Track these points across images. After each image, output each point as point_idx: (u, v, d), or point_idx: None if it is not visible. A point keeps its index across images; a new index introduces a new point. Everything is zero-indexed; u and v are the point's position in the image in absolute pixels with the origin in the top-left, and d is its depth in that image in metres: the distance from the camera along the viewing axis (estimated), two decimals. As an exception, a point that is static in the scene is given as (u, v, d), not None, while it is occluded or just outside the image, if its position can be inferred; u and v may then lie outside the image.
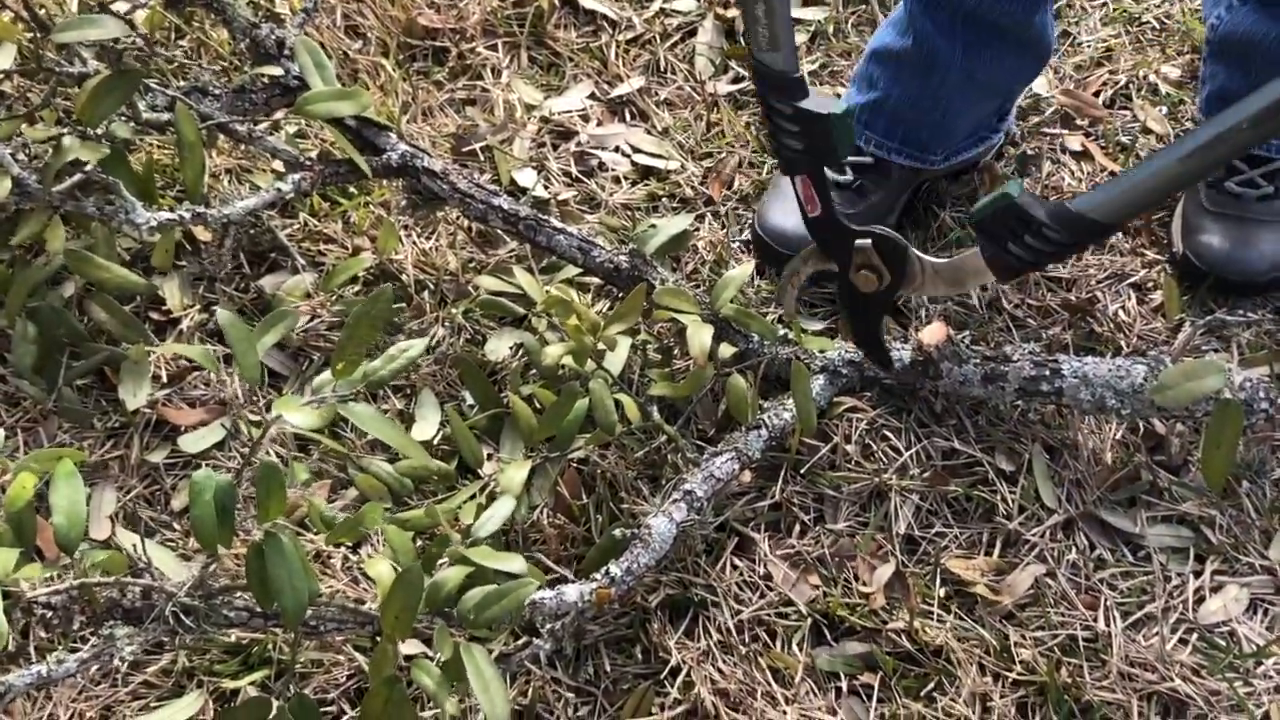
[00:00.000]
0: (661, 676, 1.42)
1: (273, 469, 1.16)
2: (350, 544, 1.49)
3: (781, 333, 1.57)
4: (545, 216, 1.60)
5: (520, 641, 1.36)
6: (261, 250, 1.72)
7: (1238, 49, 1.66)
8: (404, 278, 1.70)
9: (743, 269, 1.55)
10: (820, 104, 1.33)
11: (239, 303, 1.67)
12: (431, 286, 1.70)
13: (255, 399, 1.61)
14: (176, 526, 1.51)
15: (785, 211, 1.71)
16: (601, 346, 1.44)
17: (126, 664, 1.39)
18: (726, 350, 1.56)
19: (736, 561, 1.50)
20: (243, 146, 1.76)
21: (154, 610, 1.21)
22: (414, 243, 1.73)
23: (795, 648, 1.44)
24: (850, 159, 1.74)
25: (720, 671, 1.42)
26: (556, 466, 1.51)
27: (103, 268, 1.54)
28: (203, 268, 1.70)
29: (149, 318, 1.66)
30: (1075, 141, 1.89)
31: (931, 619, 1.46)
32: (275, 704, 1.26)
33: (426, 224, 1.75)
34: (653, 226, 1.60)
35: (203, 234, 1.71)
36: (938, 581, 1.48)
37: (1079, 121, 1.92)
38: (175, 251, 1.70)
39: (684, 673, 1.41)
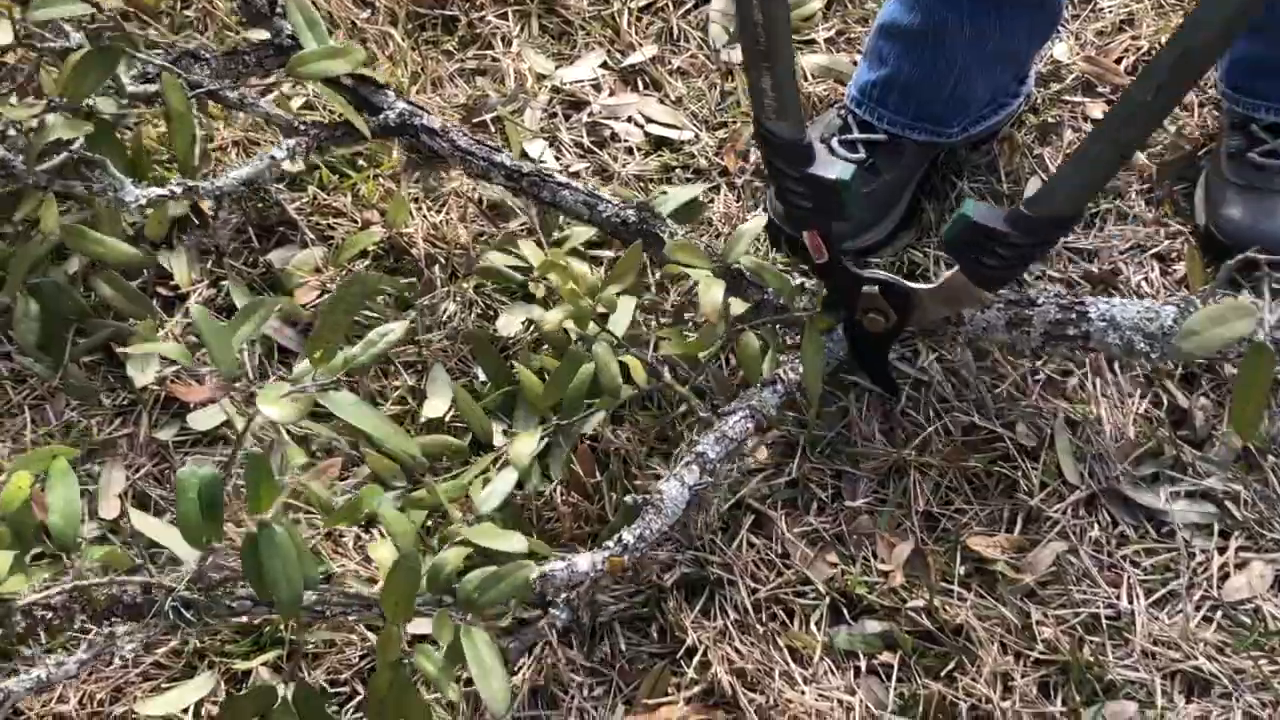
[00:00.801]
0: (678, 656, 1.40)
1: (259, 460, 1.14)
2: (363, 523, 1.47)
3: (798, 282, 1.53)
4: (549, 172, 1.56)
5: (537, 612, 1.33)
6: (270, 224, 1.70)
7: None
8: (414, 251, 1.68)
9: (755, 221, 1.50)
10: (827, 168, 1.34)
11: (247, 277, 1.65)
12: (442, 260, 1.67)
13: (265, 374, 1.59)
14: (186, 505, 1.49)
15: None
16: (603, 309, 1.41)
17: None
18: (740, 306, 1.48)
19: (753, 539, 1.48)
20: (244, 117, 1.74)
21: (154, 605, 1.20)
22: (424, 216, 1.71)
23: (813, 627, 1.43)
24: (858, 137, 1.71)
25: (737, 651, 1.40)
26: (570, 439, 1.48)
27: (99, 242, 1.50)
28: (210, 242, 1.68)
29: (156, 293, 1.64)
30: (1097, 109, 1.85)
31: (951, 597, 1.44)
32: (281, 689, 1.24)
33: (437, 198, 1.72)
34: (664, 193, 1.57)
35: (210, 208, 1.68)
36: (958, 559, 1.46)
37: (1100, 89, 1.88)
38: (182, 225, 1.68)
39: (700, 652, 1.40)
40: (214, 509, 1.16)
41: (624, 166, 1.79)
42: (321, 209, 1.71)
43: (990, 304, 1.44)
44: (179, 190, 1.42)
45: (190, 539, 1.17)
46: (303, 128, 1.53)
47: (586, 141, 1.82)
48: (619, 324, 1.45)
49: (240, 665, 1.39)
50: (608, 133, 1.84)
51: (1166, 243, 1.71)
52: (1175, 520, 1.50)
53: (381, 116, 1.56)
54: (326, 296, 1.63)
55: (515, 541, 1.25)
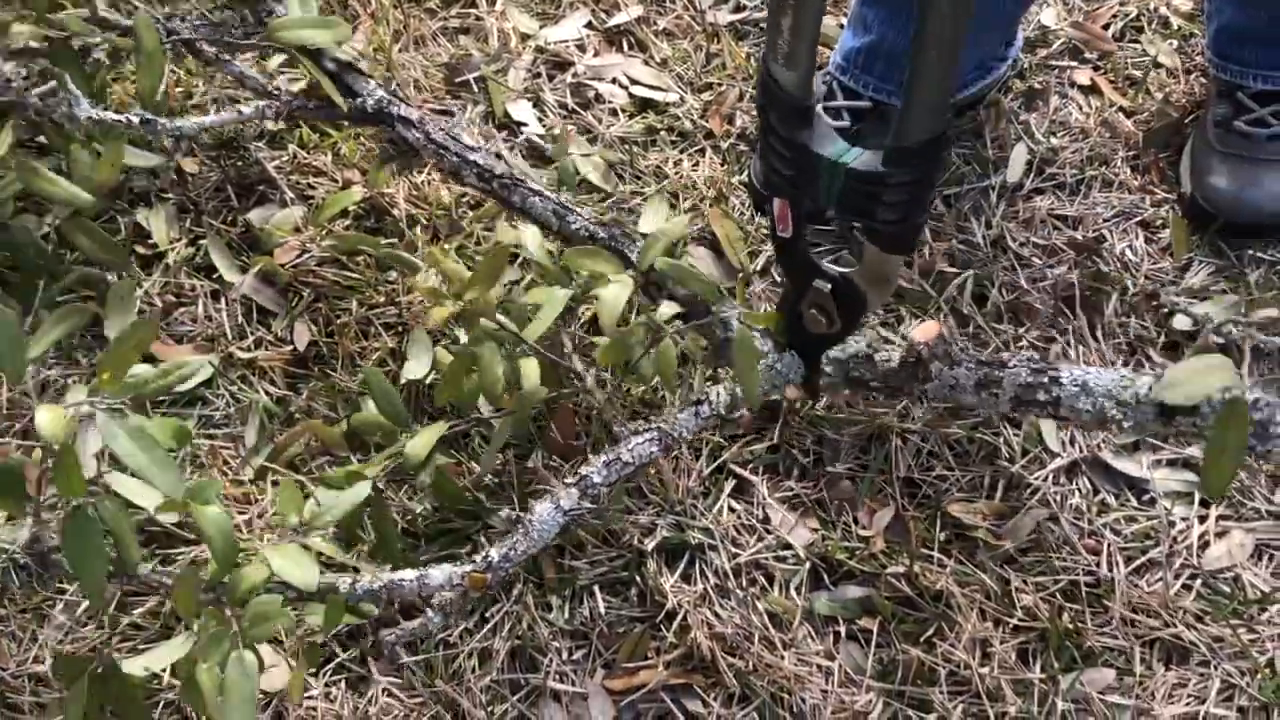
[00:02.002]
0: (657, 620, 1.40)
1: (67, 451, 1.09)
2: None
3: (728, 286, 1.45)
4: (521, 177, 1.48)
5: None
6: (250, 183, 1.68)
7: None
8: (395, 212, 1.66)
9: (674, 224, 1.40)
10: (821, 141, 1.20)
11: (226, 236, 1.64)
12: (424, 222, 1.66)
13: (244, 334, 1.57)
14: (163, 465, 1.48)
15: None
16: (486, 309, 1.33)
17: (112, 606, 1.39)
18: (668, 310, 1.39)
19: (734, 504, 1.47)
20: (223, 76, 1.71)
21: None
22: (406, 177, 1.69)
23: (793, 592, 1.42)
24: (843, 104, 1.70)
25: (717, 615, 1.40)
26: (505, 425, 1.42)
27: (48, 179, 1.43)
28: (189, 200, 1.66)
29: (135, 251, 1.62)
30: (1084, 75, 1.84)
31: (932, 563, 1.43)
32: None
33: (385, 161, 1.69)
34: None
35: (190, 165, 1.67)
36: (938, 525, 1.46)
37: (1088, 55, 1.87)
38: (161, 184, 1.66)
39: (680, 616, 1.39)
40: (12, 493, 1.15)
41: (608, 128, 1.77)
42: (301, 168, 1.69)
43: (906, 262, 1.38)
44: (135, 120, 1.39)
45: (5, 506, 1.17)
46: (276, 92, 1.51)
47: (570, 102, 1.81)
48: (541, 323, 1.34)
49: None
50: (592, 94, 1.82)
51: (1152, 210, 1.71)
52: (1156, 488, 1.50)
53: (359, 101, 1.50)
54: (306, 256, 1.62)
55: (305, 573, 1.18)
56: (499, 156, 1.50)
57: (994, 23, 1.69)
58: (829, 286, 1.29)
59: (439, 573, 1.24)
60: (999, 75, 1.78)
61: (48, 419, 1.02)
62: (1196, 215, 1.68)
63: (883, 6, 1.65)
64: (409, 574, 1.23)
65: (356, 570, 1.32)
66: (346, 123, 1.53)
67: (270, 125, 1.51)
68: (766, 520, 1.46)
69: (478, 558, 1.26)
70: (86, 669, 1.20)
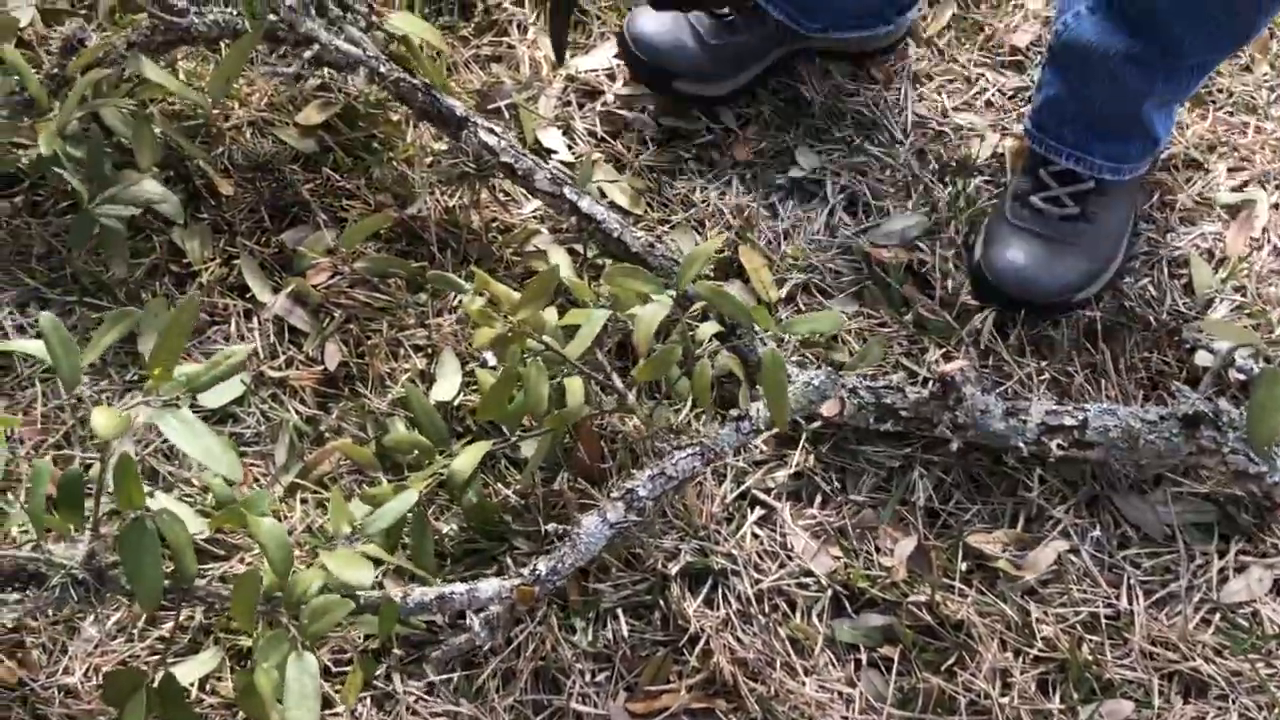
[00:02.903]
0: (680, 644, 1.41)
1: (127, 461, 1.15)
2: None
3: (756, 303, 1.50)
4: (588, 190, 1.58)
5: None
6: (284, 204, 1.70)
7: (1078, 58, 1.58)
8: (426, 235, 1.68)
9: (709, 244, 1.46)
10: None
11: (259, 257, 1.66)
12: (454, 246, 1.68)
13: (275, 354, 1.60)
14: (195, 481, 1.50)
15: (655, 18, 1.81)
16: (536, 329, 1.35)
17: (143, 620, 1.41)
18: (710, 329, 1.45)
19: (757, 530, 1.49)
20: (259, 97, 1.75)
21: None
22: (437, 200, 1.71)
23: (815, 618, 1.44)
24: None
25: (739, 641, 1.41)
26: (544, 442, 1.45)
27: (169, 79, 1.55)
28: (224, 220, 1.69)
29: (169, 269, 1.65)
30: (973, 55, 1.87)
31: (953, 593, 1.45)
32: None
33: (449, 181, 1.73)
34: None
35: (226, 187, 1.69)
36: (960, 555, 1.47)
37: (990, 44, 1.97)
38: (196, 203, 1.68)
39: (703, 641, 1.41)
40: (73, 502, 1.20)
41: (637, 156, 1.79)
42: (335, 191, 1.72)
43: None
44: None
45: (36, 526, 1.20)
46: (373, 57, 1.59)
47: (600, 130, 1.83)
48: (581, 342, 1.37)
49: (245, 642, 1.40)
50: (621, 122, 1.84)
51: (1173, 247, 1.72)
52: (1176, 522, 1.51)
53: (464, 136, 1.60)
54: (338, 278, 1.64)
55: (363, 574, 1.21)
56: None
57: None
58: None
59: (489, 586, 1.27)
60: (877, 34, 1.87)
61: (103, 419, 1.04)
62: (979, 285, 1.66)
63: None
64: (460, 587, 1.27)
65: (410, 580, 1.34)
66: (430, 124, 1.65)
67: (361, 84, 1.62)
68: (789, 547, 1.48)
69: (525, 571, 1.28)
70: (141, 684, 1.22)
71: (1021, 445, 1.46)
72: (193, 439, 1.12)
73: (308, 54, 1.55)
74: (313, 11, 1.59)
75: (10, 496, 1.47)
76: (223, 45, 1.70)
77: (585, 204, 1.58)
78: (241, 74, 1.72)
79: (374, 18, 1.64)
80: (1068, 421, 1.46)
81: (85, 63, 1.52)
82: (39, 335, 1.56)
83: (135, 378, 1.57)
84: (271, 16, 1.55)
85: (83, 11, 1.72)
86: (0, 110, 1.54)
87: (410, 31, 1.64)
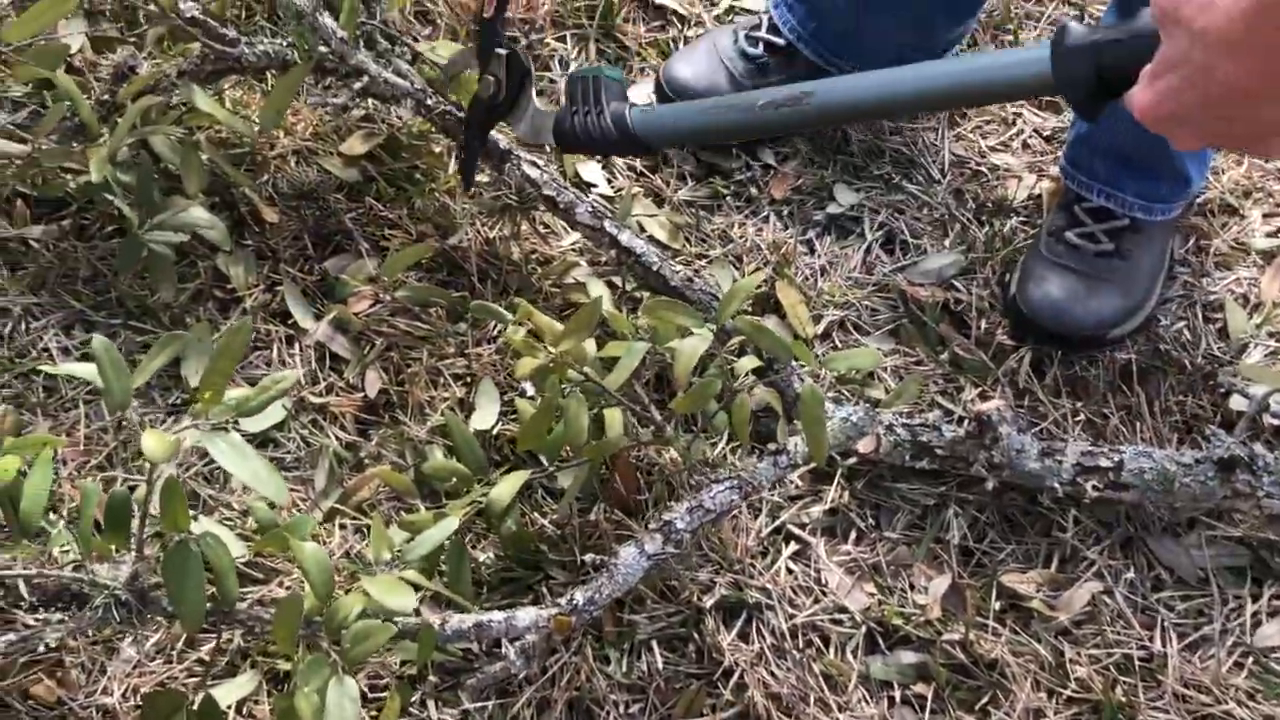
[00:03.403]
0: (714, 677, 1.42)
1: (173, 483, 1.16)
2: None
3: (791, 339, 1.51)
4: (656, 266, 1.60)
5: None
6: (327, 233, 1.72)
7: None
8: (467, 266, 1.70)
9: (750, 279, 1.48)
10: None
11: (302, 284, 1.68)
12: (494, 277, 1.70)
13: (316, 380, 1.61)
14: (235, 505, 1.51)
15: (691, 62, 1.86)
16: (578, 361, 1.37)
17: (178, 646, 1.42)
18: (749, 364, 1.47)
19: (792, 565, 1.50)
20: (304, 126, 1.77)
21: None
22: (478, 231, 1.73)
23: (849, 654, 1.44)
24: (764, 35, 1.84)
25: (773, 675, 1.42)
26: (582, 472, 1.48)
27: (216, 107, 1.57)
28: (267, 247, 1.71)
29: (213, 295, 1.67)
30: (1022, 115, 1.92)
31: (987, 632, 1.45)
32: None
33: (490, 213, 1.74)
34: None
35: (270, 215, 1.71)
36: (994, 594, 1.48)
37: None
38: (240, 230, 1.70)
39: (737, 675, 1.41)
40: (119, 523, 1.22)
41: (675, 192, 1.81)
42: (377, 220, 1.74)
43: (549, 146, 1.56)
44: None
45: (86, 547, 1.22)
46: (420, 90, 1.62)
47: (639, 165, 1.85)
48: (621, 373, 1.39)
49: (282, 666, 1.41)
50: (660, 157, 1.86)
51: (1209, 292, 1.73)
52: (1210, 565, 1.51)
53: (507, 168, 1.63)
54: (379, 306, 1.66)
55: (405, 599, 1.23)
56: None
57: (914, 21, 1.79)
58: (506, 54, 1.51)
59: (526, 615, 1.28)
60: None
61: (154, 442, 1.05)
62: (1015, 320, 1.68)
63: None
64: (497, 615, 1.28)
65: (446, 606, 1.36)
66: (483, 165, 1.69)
67: (406, 116, 1.68)
68: (824, 582, 1.49)
69: (562, 600, 1.29)
70: (180, 705, 1.23)
71: (1057, 486, 1.47)
72: (241, 462, 1.14)
73: (357, 85, 1.58)
74: (362, 44, 1.61)
75: (52, 516, 1.48)
76: (269, 75, 1.73)
77: (625, 237, 1.60)
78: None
79: (420, 50, 1.67)
80: (1103, 463, 1.46)
81: (136, 90, 1.54)
82: (84, 357, 1.60)
83: (178, 401, 1.59)
84: (322, 48, 1.57)
85: (132, 39, 1.74)
86: (51, 135, 1.56)
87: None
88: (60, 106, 1.54)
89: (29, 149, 1.54)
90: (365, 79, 1.59)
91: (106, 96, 1.60)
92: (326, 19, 1.57)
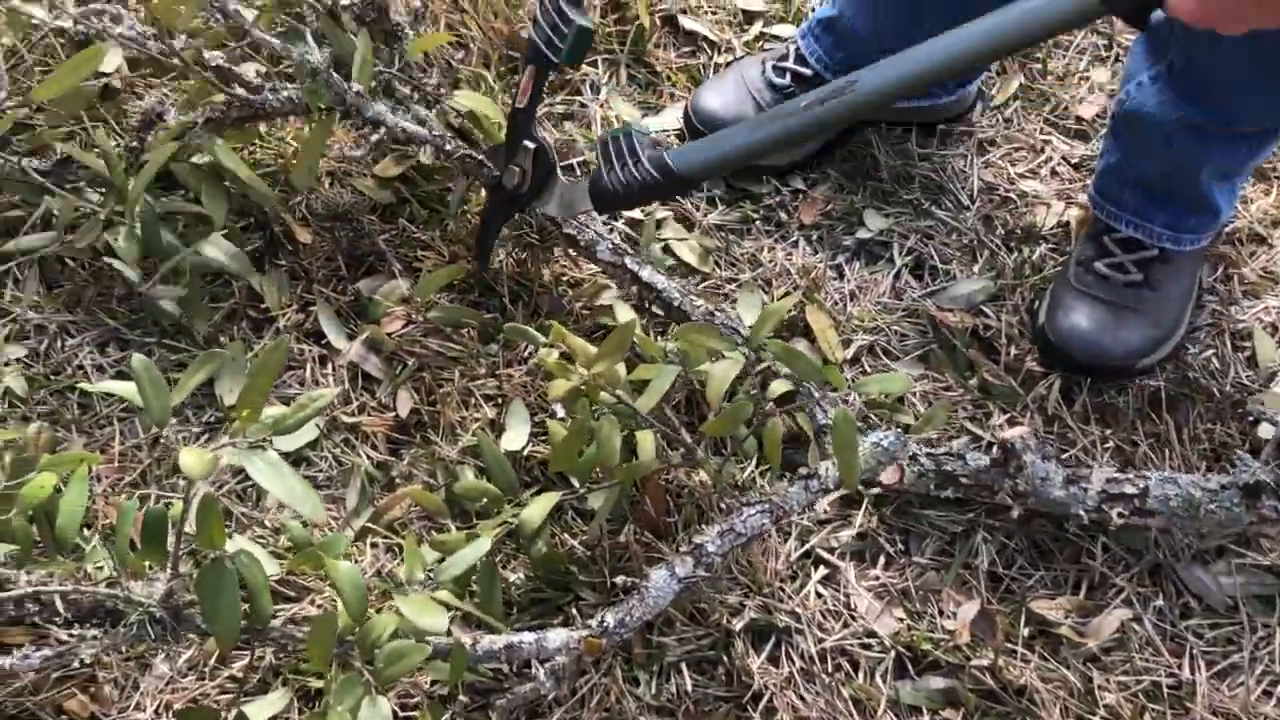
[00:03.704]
0: (744, 701, 1.42)
1: (209, 501, 1.18)
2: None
3: (821, 363, 1.49)
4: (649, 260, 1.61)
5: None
6: (360, 254, 1.74)
7: (1138, 126, 1.62)
8: (498, 287, 1.71)
9: (782, 303, 1.50)
10: (579, 13, 1.48)
11: (335, 304, 1.69)
12: (525, 299, 1.71)
13: (349, 400, 1.62)
14: (267, 523, 1.52)
15: (719, 92, 1.87)
16: (610, 383, 1.37)
17: (211, 663, 1.43)
18: (780, 388, 1.49)
19: (821, 589, 1.50)
20: (337, 148, 1.79)
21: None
22: (510, 254, 1.74)
23: (878, 679, 1.44)
24: (791, 65, 1.86)
25: (802, 699, 1.42)
26: (613, 494, 1.48)
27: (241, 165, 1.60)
28: (300, 268, 1.72)
29: (247, 314, 1.68)
30: (1052, 138, 1.94)
31: (1015, 658, 1.45)
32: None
33: (521, 237, 1.76)
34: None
35: (304, 235, 1.72)
36: (1023, 621, 1.48)
37: (1056, 117, 1.98)
38: (274, 250, 1.72)
39: (766, 698, 1.42)
40: (156, 540, 1.24)
41: (705, 216, 1.82)
42: (410, 241, 1.75)
43: (587, 212, 1.59)
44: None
45: (123, 564, 1.23)
46: (439, 135, 1.63)
47: (669, 189, 1.86)
48: (653, 396, 1.40)
49: (314, 684, 1.41)
50: (689, 181, 1.87)
51: (1238, 320, 1.73)
52: (1239, 593, 1.51)
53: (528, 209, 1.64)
54: (411, 327, 1.67)
55: (437, 620, 1.24)
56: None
57: None
58: (534, 147, 1.57)
59: (556, 636, 1.28)
60: (938, 103, 1.91)
61: (192, 459, 1.06)
62: (1044, 349, 1.68)
63: None
64: (528, 636, 1.28)
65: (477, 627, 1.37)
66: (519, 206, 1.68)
67: (424, 159, 1.64)
68: (852, 607, 1.49)
69: (592, 622, 1.30)
70: (215, 720, 1.24)
71: (1082, 513, 1.47)
72: (278, 480, 1.15)
73: (374, 137, 1.60)
74: (380, 92, 1.64)
75: (86, 533, 1.50)
76: (290, 119, 1.75)
77: (646, 274, 1.61)
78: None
79: (440, 93, 1.69)
80: (1128, 490, 1.46)
81: (164, 140, 1.57)
82: (119, 375, 1.61)
83: (212, 419, 1.60)
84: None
85: (157, 84, 1.77)
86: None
87: (474, 109, 1.69)
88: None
89: (56, 203, 1.58)
90: (383, 130, 1.61)
91: (135, 144, 1.62)
92: (340, 75, 1.60)
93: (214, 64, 1.57)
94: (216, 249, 1.62)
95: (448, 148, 1.63)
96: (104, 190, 1.62)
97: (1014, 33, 1.29)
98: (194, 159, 1.64)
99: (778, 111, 1.43)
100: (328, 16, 1.62)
